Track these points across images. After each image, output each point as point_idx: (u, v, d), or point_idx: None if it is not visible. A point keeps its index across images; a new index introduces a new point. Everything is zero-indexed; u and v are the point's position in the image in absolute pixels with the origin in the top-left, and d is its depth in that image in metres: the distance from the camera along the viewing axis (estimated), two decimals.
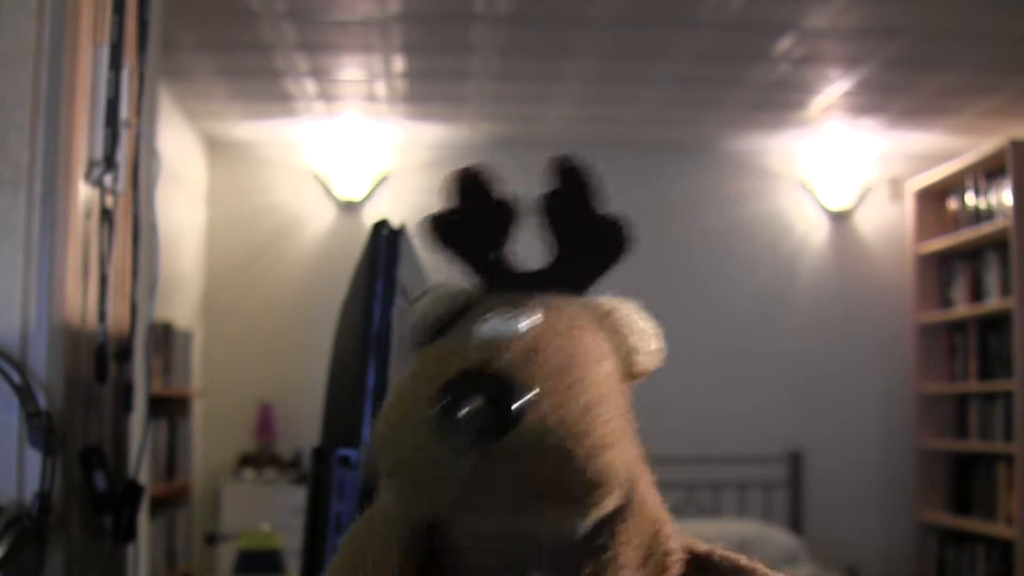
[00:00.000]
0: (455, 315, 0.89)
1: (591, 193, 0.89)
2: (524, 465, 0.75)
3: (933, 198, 5.13)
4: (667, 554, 0.88)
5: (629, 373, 0.87)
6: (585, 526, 0.79)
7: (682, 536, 0.90)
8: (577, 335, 0.84)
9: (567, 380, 0.79)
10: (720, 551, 0.92)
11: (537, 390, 0.77)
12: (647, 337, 0.88)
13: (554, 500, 0.76)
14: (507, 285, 0.89)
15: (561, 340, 0.82)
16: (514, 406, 0.76)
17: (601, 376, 0.82)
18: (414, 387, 0.82)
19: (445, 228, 0.93)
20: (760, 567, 0.89)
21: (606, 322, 0.87)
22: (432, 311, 0.89)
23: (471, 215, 0.92)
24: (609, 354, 0.85)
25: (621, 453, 0.80)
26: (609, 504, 0.79)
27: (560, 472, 0.76)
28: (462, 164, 0.92)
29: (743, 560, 0.92)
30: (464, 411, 0.75)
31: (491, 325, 0.84)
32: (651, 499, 0.88)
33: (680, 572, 0.89)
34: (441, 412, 0.76)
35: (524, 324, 0.83)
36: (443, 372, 0.80)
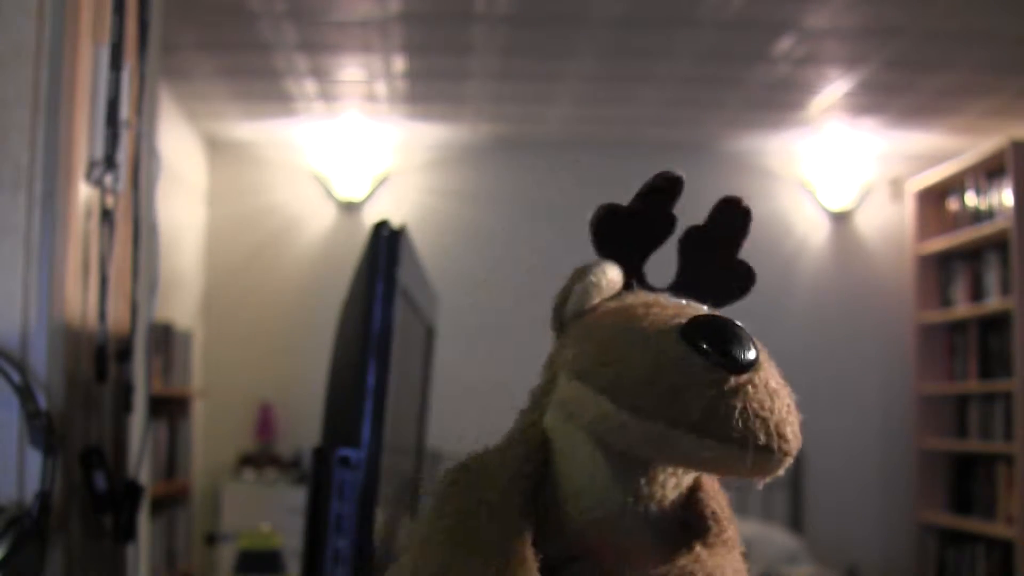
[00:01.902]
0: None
1: (742, 237, 0.94)
2: (766, 399, 0.78)
3: (933, 198, 5.13)
4: None
5: None
6: (774, 476, 0.81)
7: None
8: None
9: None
10: None
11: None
12: None
13: (775, 442, 0.78)
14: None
15: None
16: (754, 351, 0.80)
17: None
18: (646, 321, 0.82)
19: (620, 221, 0.94)
20: None
21: None
22: (602, 286, 0.89)
23: (648, 217, 0.94)
24: None
25: None
26: (782, 470, 0.82)
27: (786, 419, 0.79)
28: (670, 169, 0.95)
29: None
30: (729, 340, 0.79)
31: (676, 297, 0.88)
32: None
33: None
34: (708, 337, 0.79)
35: (704, 307, 0.88)
36: (670, 315, 0.82)
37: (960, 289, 4.94)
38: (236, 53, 4.05)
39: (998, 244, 4.59)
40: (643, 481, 0.84)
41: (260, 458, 4.94)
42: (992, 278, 4.67)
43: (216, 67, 4.22)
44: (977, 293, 4.81)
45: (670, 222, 0.94)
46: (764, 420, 0.77)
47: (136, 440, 1.91)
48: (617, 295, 0.89)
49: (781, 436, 0.78)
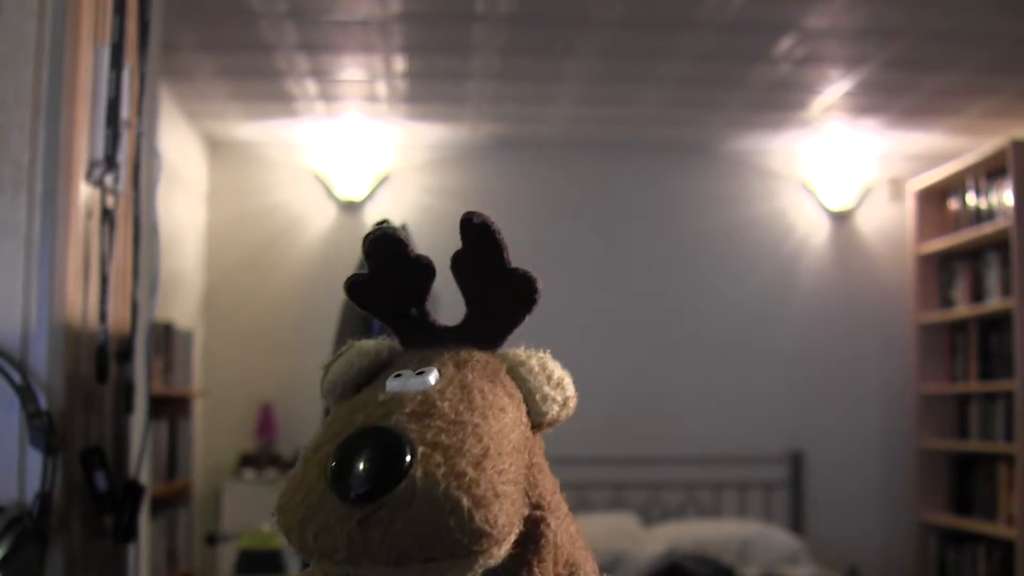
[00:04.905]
0: (376, 370, 0.92)
1: (497, 249, 0.91)
2: (408, 517, 0.76)
3: (934, 198, 5.13)
4: None
5: (541, 422, 0.90)
6: (484, 559, 0.79)
7: None
8: (481, 387, 0.86)
9: (461, 433, 0.81)
10: None
11: (422, 448, 0.79)
12: (561, 386, 0.91)
13: (439, 552, 0.77)
14: (425, 341, 0.92)
15: (463, 393, 0.85)
16: (405, 460, 0.78)
17: (500, 426, 0.84)
18: (319, 445, 0.84)
19: (362, 289, 0.95)
20: None
21: (519, 371, 0.90)
22: (350, 368, 0.92)
23: (386, 276, 0.94)
24: (516, 404, 0.87)
25: (512, 503, 0.81)
26: (498, 554, 0.80)
27: (445, 523, 0.76)
28: (373, 226, 0.96)
29: None
30: (354, 468, 0.78)
31: (400, 381, 0.87)
32: (565, 542, 0.90)
33: None
34: (335, 469, 0.79)
35: (432, 378, 0.85)
36: (346, 430, 0.82)
37: (961, 289, 4.94)
38: (236, 53, 4.05)
39: (999, 244, 4.59)
40: None
41: (260, 458, 4.94)
42: (993, 278, 4.67)
43: (216, 67, 4.22)
44: (978, 293, 4.81)
45: (423, 265, 0.93)
46: (413, 535, 0.76)
47: (136, 440, 1.91)
48: (388, 359, 0.92)
49: (445, 535, 0.76)
